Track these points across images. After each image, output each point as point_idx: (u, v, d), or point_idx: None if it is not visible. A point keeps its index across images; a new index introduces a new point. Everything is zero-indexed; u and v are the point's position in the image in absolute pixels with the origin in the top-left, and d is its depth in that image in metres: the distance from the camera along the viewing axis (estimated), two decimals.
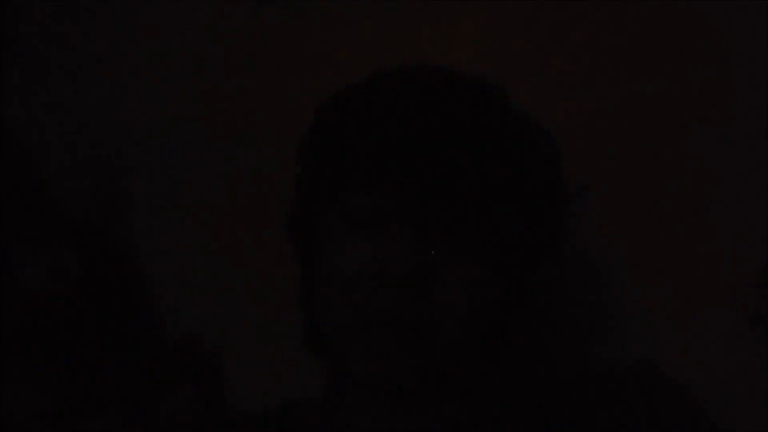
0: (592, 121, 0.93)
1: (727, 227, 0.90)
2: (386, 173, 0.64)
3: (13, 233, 0.96)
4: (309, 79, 0.98)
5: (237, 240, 1.01)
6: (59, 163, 1.04)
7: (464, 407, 0.72)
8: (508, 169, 0.65)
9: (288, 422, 0.75)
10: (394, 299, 0.63)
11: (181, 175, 1.03)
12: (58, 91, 1.07)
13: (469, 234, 0.65)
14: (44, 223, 0.98)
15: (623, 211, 0.92)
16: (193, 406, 0.96)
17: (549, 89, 0.93)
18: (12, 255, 0.94)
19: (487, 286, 0.66)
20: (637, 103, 0.92)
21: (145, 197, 1.04)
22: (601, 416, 0.80)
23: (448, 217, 0.64)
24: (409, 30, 0.98)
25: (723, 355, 0.88)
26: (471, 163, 0.64)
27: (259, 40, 1.02)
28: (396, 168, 0.64)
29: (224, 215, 1.02)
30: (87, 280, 0.96)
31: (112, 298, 0.98)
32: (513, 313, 0.72)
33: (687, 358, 0.88)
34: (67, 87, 1.06)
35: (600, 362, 0.91)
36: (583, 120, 0.92)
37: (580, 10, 0.94)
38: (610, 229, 0.92)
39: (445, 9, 0.97)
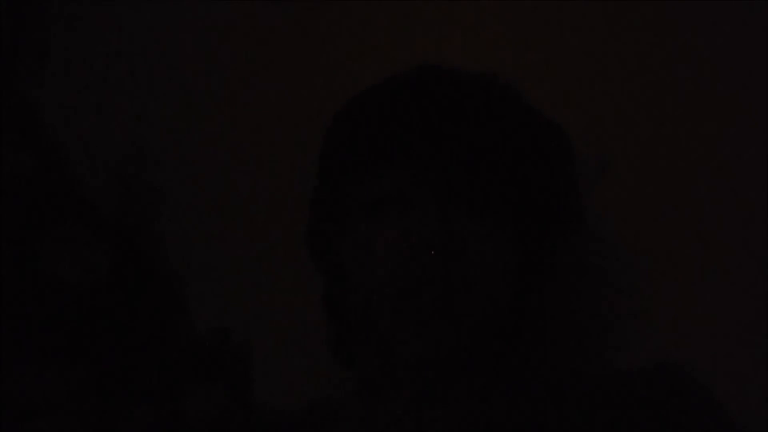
0: (604, 121, 0.94)
1: (747, 225, 0.90)
2: (408, 153, 0.70)
3: (48, 229, 0.97)
4: (338, 78, 1.00)
5: (264, 236, 1.02)
6: (91, 162, 1.06)
7: (487, 403, 0.74)
8: (518, 149, 0.72)
9: (315, 422, 0.78)
10: (425, 266, 0.69)
11: (209, 172, 1.05)
12: (90, 92, 1.08)
13: (486, 205, 0.71)
14: (77, 220, 1.00)
15: (645, 210, 0.93)
16: (220, 401, 0.97)
17: (563, 87, 0.95)
18: (46, 250, 0.96)
19: (508, 253, 0.72)
20: (653, 100, 0.94)
21: (174, 194, 1.06)
22: (622, 415, 0.80)
23: (466, 190, 0.71)
24: (415, 29, 1.00)
25: (745, 356, 0.89)
26: (482, 140, 0.71)
27: (291, 41, 1.04)
28: (417, 148, 0.70)
29: (250, 212, 1.03)
30: (117, 275, 0.98)
31: (141, 293, 1.00)
32: (533, 287, 0.76)
33: (709, 360, 0.88)
34: (99, 88, 1.08)
35: (621, 363, 0.92)
36: (595, 119, 0.94)
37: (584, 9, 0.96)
38: (631, 228, 0.93)
39: (452, 9, 0.99)
